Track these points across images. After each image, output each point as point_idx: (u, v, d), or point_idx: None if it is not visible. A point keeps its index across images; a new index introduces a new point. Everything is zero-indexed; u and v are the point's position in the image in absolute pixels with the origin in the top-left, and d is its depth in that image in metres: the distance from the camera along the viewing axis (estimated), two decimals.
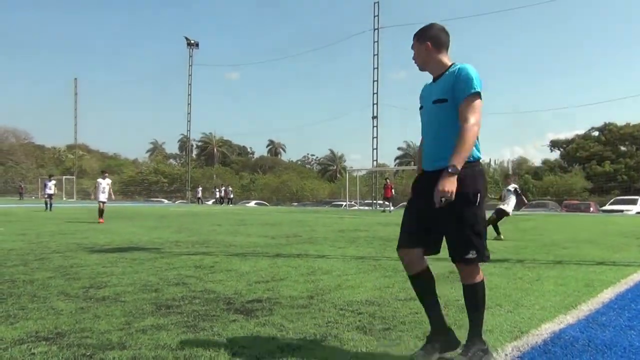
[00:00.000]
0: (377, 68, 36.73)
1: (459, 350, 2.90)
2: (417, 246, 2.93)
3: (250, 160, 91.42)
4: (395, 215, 24.50)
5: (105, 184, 16.79)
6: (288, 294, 4.66)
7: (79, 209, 26.34)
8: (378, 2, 37.22)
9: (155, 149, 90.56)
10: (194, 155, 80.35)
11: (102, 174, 17.61)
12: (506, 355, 3.01)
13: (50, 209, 23.46)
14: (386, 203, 29.81)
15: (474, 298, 2.93)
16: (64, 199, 52.05)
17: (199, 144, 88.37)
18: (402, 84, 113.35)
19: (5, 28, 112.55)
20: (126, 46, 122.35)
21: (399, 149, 77.19)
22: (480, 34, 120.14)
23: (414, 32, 3.02)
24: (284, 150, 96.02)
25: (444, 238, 2.91)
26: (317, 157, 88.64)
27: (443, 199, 2.63)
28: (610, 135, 59.19)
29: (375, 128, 36.74)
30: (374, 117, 36.77)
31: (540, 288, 5.11)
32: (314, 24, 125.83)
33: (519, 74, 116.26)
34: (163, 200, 56.02)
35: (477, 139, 2.79)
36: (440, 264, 6.61)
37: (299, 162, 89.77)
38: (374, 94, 36.72)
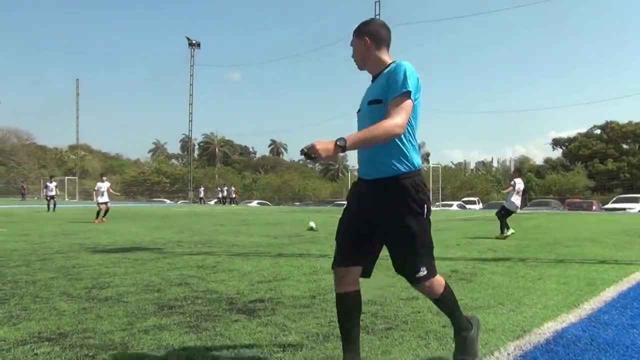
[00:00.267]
0: None
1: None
2: (355, 265, 2.70)
3: (252, 160, 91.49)
4: None
5: (104, 187, 16.98)
6: (290, 294, 4.66)
7: (82, 210, 26.37)
8: (379, 1, 37.22)
9: (157, 149, 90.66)
10: (195, 155, 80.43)
11: (101, 177, 17.83)
12: (508, 354, 3.01)
13: (54, 210, 23.50)
14: None
15: (446, 307, 2.80)
16: (66, 199, 52.12)
17: (201, 144, 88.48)
18: None
19: (6, 28, 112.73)
20: (128, 46, 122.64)
21: None
22: (480, 33, 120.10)
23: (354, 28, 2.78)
24: (286, 150, 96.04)
25: (390, 255, 2.69)
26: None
27: (306, 150, 2.28)
28: (612, 133, 59.08)
29: None
30: None
31: (543, 287, 5.11)
32: (314, 24, 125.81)
33: (518, 73, 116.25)
34: (165, 200, 56.07)
35: (417, 146, 2.62)
36: (442, 264, 6.64)
37: (301, 162, 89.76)
38: None
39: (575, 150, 60.63)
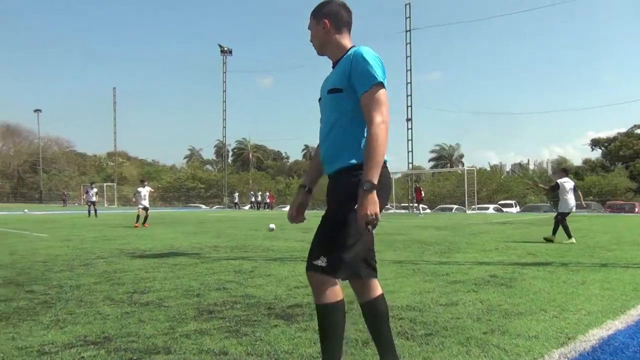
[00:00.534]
0: (410, 70, 36.49)
1: None
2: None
3: (285, 165, 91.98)
4: (430, 218, 24.26)
5: (145, 191, 17.47)
6: None
7: (120, 215, 26.97)
8: (410, 3, 37.01)
9: (193, 155, 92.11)
10: (229, 160, 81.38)
11: (142, 182, 18.28)
12: None
13: (95, 215, 24.09)
14: (421, 206, 29.79)
15: (323, 327, 2.35)
16: (105, 205, 53.40)
17: (235, 149, 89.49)
18: (434, 85, 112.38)
19: (45, 36, 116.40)
20: (162, 55, 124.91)
21: (432, 151, 76.47)
22: (511, 32, 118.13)
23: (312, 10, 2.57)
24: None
25: None
26: None
27: (370, 226, 2.18)
28: None
29: (409, 130, 36.48)
30: (408, 120, 36.51)
31: (586, 292, 4.98)
32: None
33: (552, 72, 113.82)
34: (201, 205, 56.90)
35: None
36: (480, 268, 6.54)
37: None
38: (407, 96, 36.48)
39: (616, 151, 58.93)
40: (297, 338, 3.40)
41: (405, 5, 37.10)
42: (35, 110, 66.71)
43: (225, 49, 52.01)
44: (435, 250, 8.90)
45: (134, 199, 18.02)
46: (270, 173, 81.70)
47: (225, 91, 52.03)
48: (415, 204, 31.80)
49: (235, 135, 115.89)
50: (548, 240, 10.62)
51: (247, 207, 50.43)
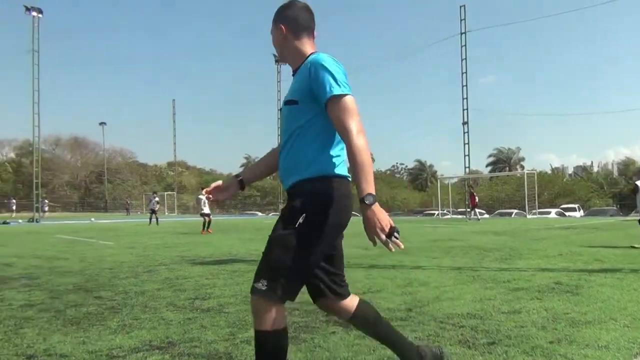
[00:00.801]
0: (466, 73, 35.81)
1: None
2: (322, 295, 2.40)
3: None
4: (489, 223, 23.66)
5: (205, 198, 17.97)
6: (386, 306, 4.63)
7: (180, 223, 27.76)
8: (464, 5, 36.38)
9: (249, 163, 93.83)
10: None
11: (202, 189, 18.79)
12: None
13: (157, 223, 24.87)
14: (479, 211, 29.19)
15: (256, 351, 2.12)
16: (166, 213, 55.04)
17: None
18: (491, 88, 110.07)
19: (104, 50, 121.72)
20: (218, 67, 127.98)
21: (489, 155, 74.65)
22: (572, 30, 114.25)
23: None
24: (373, 160, 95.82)
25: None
26: (406, 166, 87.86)
27: (386, 238, 2.02)
28: None
29: (466, 134, 35.76)
30: (464, 123, 35.79)
31: None
32: (391, 35, 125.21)
33: (615, 71, 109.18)
34: (257, 213, 57.74)
35: (336, 147, 2.24)
36: (543, 275, 6.32)
37: (388, 172, 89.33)
38: (463, 99, 35.81)
39: None
40: (356, 345, 3.39)
41: (460, 7, 36.52)
42: (101, 123, 69.83)
43: (278, 57, 52.81)
44: (495, 257, 8.68)
45: (195, 205, 18.68)
46: None
47: (280, 100, 52.75)
48: (469, 209, 31.11)
49: None
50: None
51: None
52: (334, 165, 2.21)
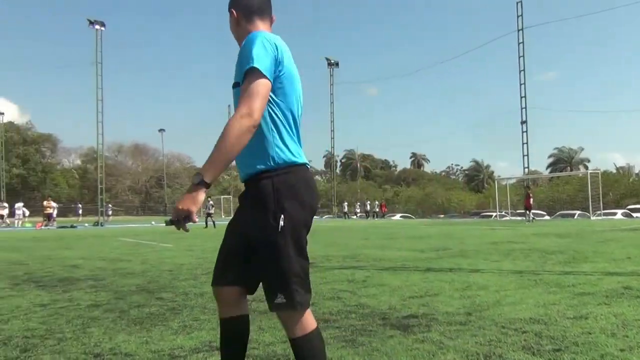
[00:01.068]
0: (524, 70, 34.85)
1: None
2: (231, 283, 2.19)
3: (393, 173, 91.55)
4: (550, 225, 22.85)
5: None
6: (444, 310, 4.53)
7: None
8: (521, 1, 35.40)
9: None
10: (338, 171, 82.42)
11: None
12: None
13: (214, 226, 25.44)
14: (529, 213, 28.29)
15: (296, 356, 2.09)
16: (222, 216, 56.20)
17: (343, 159, 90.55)
18: (551, 85, 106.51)
19: (159, 62, 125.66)
20: None
21: (550, 155, 72.18)
22: (627, 25, 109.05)
23: None
24: (427, 161, 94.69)
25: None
26: (461, 167, 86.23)
27: (178, 223, 1.98)
28: None
29: (524, 133, 34.77)
30: (523, 122, 34.83)
31: None
32: (450, 34, 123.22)
33: None
34: None
35: (294, 135, 2.10)
36: (611, 279, 6.03)
37: (443, 173, 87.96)
38: (521, 97, 34.84)
39: None
40: (414, 349, 3.33)
41: (517, 3, 35.57)
42: (160, 130, 72.32)
43: (332, 61, 52.89)
44: (558, 260, 8.35)
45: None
46: (378, 182, 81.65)
47: (332, 103, 52.91)
48: (524, 211, 30.14)
49: (343, 145, 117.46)
50: None
51: (354, 217, 50.66)
52: (291, 153, 2.07)
